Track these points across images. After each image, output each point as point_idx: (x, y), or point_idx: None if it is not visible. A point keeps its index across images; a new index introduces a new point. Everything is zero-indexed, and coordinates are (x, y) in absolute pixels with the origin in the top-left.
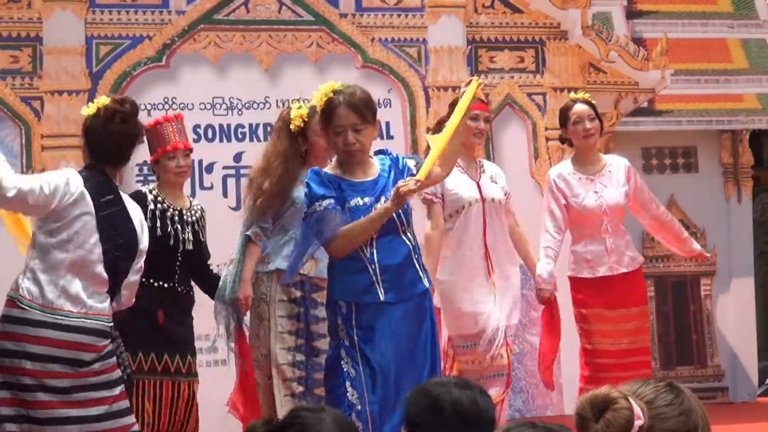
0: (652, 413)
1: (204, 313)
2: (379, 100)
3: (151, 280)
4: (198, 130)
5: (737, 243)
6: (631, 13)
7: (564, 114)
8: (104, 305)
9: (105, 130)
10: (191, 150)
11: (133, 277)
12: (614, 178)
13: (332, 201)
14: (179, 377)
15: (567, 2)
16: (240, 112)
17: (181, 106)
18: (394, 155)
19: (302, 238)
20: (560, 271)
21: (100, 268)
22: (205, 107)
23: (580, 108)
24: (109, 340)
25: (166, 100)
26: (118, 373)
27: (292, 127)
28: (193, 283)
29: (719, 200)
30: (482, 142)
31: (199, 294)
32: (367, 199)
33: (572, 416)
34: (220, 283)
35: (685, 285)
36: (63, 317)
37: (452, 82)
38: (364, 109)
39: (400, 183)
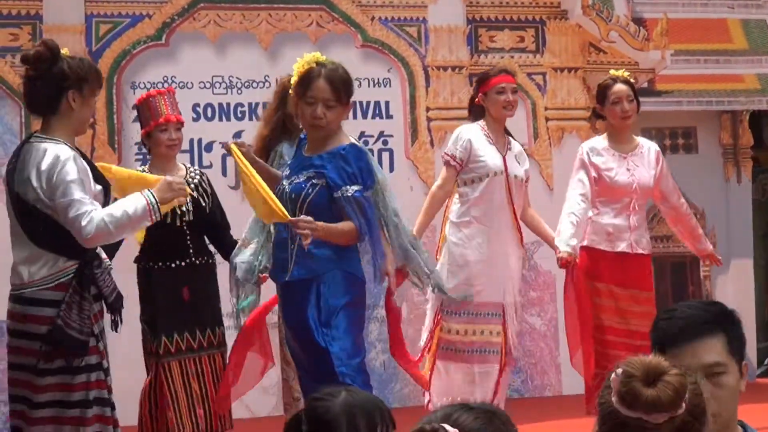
0: (690, 393)
1: None
2: (378, 79)
3: (168, 263)
4: (197, 108)
5: (736, 224)
6: None
7: (603, 92)
8: (45, 272)
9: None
10: (182, 123)
11: (68, 225)
12: (645, 159)
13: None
14: (212, 350)
15: None
16: (239, 91)
17: (181, 84)
18: (355, 154)
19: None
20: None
21: (18, 230)
22: (205, 86)
23: (620, 88)
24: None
25: (165, 78)
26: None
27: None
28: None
29: (719, 181)
30: (513, 114)
31: None
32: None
33: (572, 396)
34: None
35: (685, 266)
36: (12, 290)
37: (452, 62)
38: (342, 87)
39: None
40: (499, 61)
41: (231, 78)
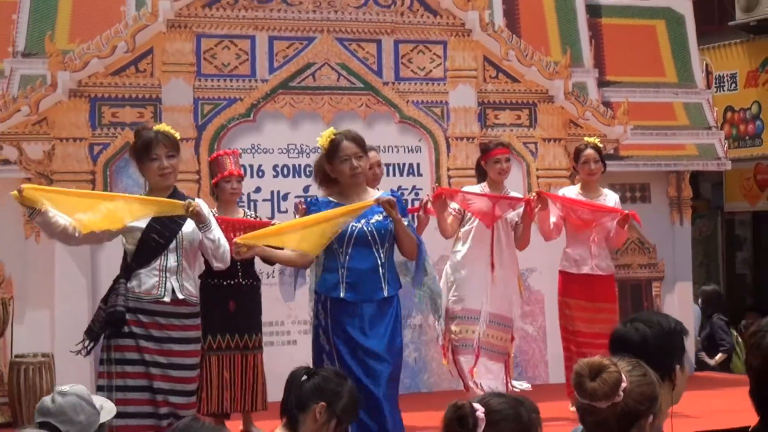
0: (631, 380)
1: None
2: (412, 146)
3: (221, 280)
4: (276, 168)
5: (680, 256)
6: (602, 83)
7: (577, 153)
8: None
9: None
10: (243, 177)
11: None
12: (606, 205)
13: None
14: (248, 351)
15: (553, 75)
16: (308, 155)
17: (264, 150)
18: (396, 198)
19: None
20: (552, 267)
21: None
22: (282, 151)
23: (589, 152)
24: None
25: (252, 146)
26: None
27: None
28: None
29: (666, 224)
30: (506, 177)
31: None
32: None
33: (556, 384)
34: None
35: (641, 288)
36: None
37: (467, 134)
38: (361, 141)
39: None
40: (501, 134)
41: (302, 145)
